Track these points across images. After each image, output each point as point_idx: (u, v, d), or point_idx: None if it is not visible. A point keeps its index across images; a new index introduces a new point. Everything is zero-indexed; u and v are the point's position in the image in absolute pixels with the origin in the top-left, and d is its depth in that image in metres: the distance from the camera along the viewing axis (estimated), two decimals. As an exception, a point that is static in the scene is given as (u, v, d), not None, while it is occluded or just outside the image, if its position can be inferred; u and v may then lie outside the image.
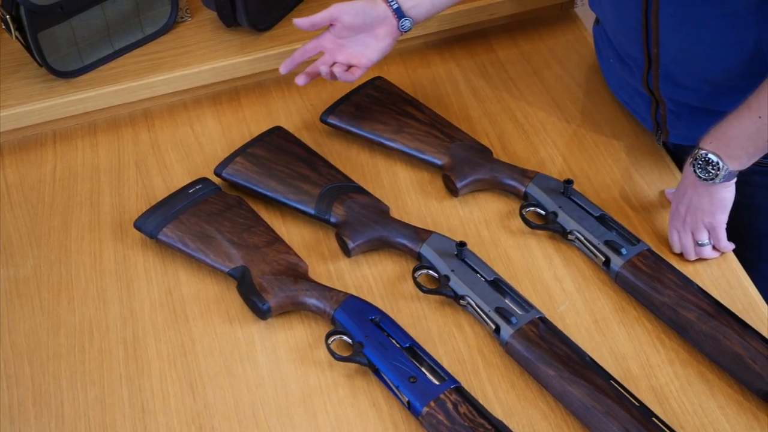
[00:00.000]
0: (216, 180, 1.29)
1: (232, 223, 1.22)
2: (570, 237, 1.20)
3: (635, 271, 1.14)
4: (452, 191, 1.29)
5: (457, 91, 1.44)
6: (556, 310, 1.16)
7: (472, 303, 1.13)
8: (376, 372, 1.08)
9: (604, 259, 1.17)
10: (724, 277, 1.18)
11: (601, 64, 1.41)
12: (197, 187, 1.26)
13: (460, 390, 1.04)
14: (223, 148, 1.37)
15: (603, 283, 1.18)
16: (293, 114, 1.43)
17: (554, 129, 1.38)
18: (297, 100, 1.45)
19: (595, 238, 1.18)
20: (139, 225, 1.24)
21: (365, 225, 1.22)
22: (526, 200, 1.26)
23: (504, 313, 1.10)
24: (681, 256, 1.20)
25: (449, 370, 1.08)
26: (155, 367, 1.13)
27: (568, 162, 1.33)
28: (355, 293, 1.18)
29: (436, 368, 1.06)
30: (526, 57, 1.49)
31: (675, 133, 1.28)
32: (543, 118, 1.39)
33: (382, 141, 1.33)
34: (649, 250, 1.16)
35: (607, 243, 1.17)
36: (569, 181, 1.22)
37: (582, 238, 1.19)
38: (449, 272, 1.15)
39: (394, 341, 1.09)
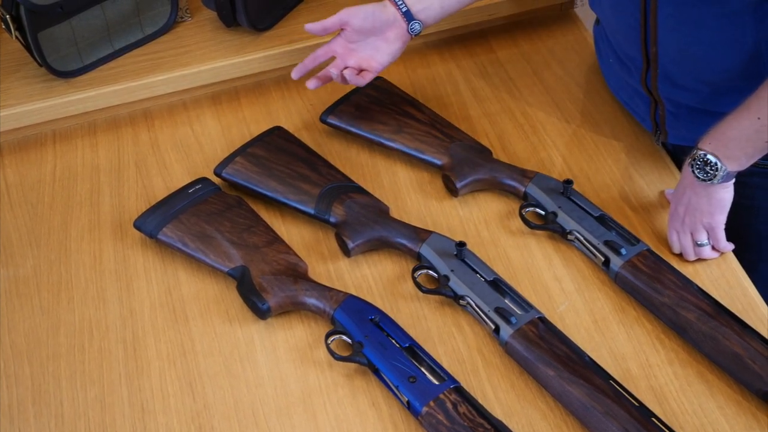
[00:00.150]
0: (216, 180, 1.29)
1: (232, 223, 1.22)
2: (569, 237, 1.20)
3: (635, 272, 1.14)
4: (452, 191, 1.29)
5: (456, 91, 1.44)
6: (556, 310, 1.16)
7: (472, 303, 1.13)
8: (376, 372, 1.08)
9: (603, 259, 1.17)
10: (723, 278, 1.18)
11: (601, 65, 1.41)
12: (197, 187, 1.26)
13: (459, 390, 1.04)
14: (222, 148, 1.38)
15: (602, 284, 1.19)
16: (293, 114, 1.43)
17: (554, 129, 1.38)
18: (297, 100, 1.45)
19: (594, 238, 1.18)
20: (138, 225, 1.24)
21: (365, 225, 1.22)
22: (525, 200, 1.26)
23: (503, 313, 1.10)
24: (680, 256, 1.20)
25: (449, 370, 1.08)
26: (155, 367, 1.14)
27: (567, 162, 1.33)
28: (354, 293, 1.18)
29: (436, 368, 1.06)
30: (526, 57, 1.49)
31: (674, 133, 1.28)
32: (543, 119, 1.39)
33: (382, 141, 1.33)
34: (649, 251, 1.16)
35: (606, 243, 1.17)
36: (569, 182, 1.22)
37: (581, 238, 1.19)
38: (449, 272, 1.15)
39: (393, 341, 1.09)
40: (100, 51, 1.42)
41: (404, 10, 1.24)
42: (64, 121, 1.42)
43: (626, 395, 1.02)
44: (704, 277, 1.18)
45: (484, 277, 1.15)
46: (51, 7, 1.32)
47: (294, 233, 1.26)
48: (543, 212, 1.23)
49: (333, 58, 1.28)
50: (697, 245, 1.18)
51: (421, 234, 1.20)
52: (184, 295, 1.21)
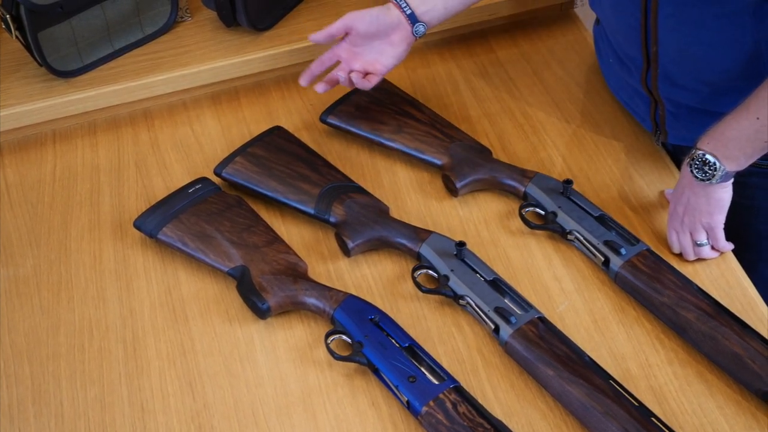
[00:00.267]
0: (216, 180, 1.30)
1: (232, 223, 1.22)
2: (569, 237, 1.20)
3: (634, 271, 1.14)
4: (452, 191, 1.29)
5: (456, 91, 1.44)
6: (556, 310, 1.16)
7: (472, 303, 1.13)
8: (376, 371, 1.08)
9: (603, 259, 1.17)
10: (723, 278, 1.18)
11: (601, 65, 1.41)
12: (197, 187, 1.27)
13: (459, 390, 1.04)
14: (222, 147, 1.38)
15: (602, 283, 1.19)
16: (293, 114, 1.43)
17: (554, 129, 1.38)
18: (297, 100, 1.45)
19: (594, 238, 1.18)
20: (138, 224, 1.24)
21: (365, 225, 1.22)
22: (525, 200, 1.26)
23: (503, 313, 1.10)
24: (680, 256, 1.20)
25: (448, 370, 1.08)
26: (155, 367, 1.14)
27: (567, 162, 1.33)
28: (354, 293, 1.18)
29: (436, 368, 1.06)
30: (526, 57, 1.49)
31: (674, 133, 1.28)
32: (543, 119, 1.39)
33: (382, 141, 1.33)
34: (649, 250, 1.16)
35: (606, 243, 1.17)
36: (569, 181, 1.22)
37: (581, 238, 1.19)
38: (449, 272, 1.15)
39: (393, 341, 1.09)
40: (100, 51, 1.42)
41: (408, 12, 1.24)
42: (64, 121, 1.42)
43: (626, 395, 1.02)
44: (704, 276, 1.18)
45: (483, 277, 1.15)
46: (51, 6, 1.32)
47: (294, 233, 1.26)
48: (543, 212, 1.23)
49: (338, 62, 1.28)
50: (697, 245, 1.18)
51: (420, 234, 1.20)
52: (184, 294, 1.21)
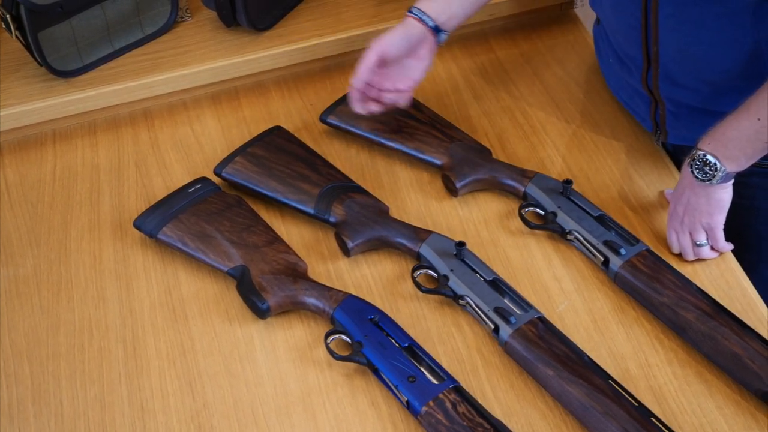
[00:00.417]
0: (216, 179, 1.30)
1: (232, 223, 1.22)
2: (569, 237, 1.21)
3: (634, 272, 1.14)
4: (452, 191, 1.29)
5: (456, 91, 1.44)
6: (555, 310, 1.16)
7: (471, 303, 1.13)
8: (375, 371, 1.08)
9: (603, 259, 1.17)
10: (723, 278, 1.18)
11: (601, 65, 1.41)
12: (197, 187, 1.27)
13: (458, 389, 1.04)
14: (222, 147, 1.38)
15: (602, 283, 1.19)
16: (293, 114, 1.43)
17: (554, 129, 1.38)
18: (296, 100, 1.45)
19: (594, 238, 1.18)
20: (138, 224, 1.24)
21: (364, 225, 1.22)
22: (525, 200, 1.26)
23: (503, 313, 1.10)
24: (680, 256, 1.20)
25: (448, 370, 1.08)
26: (154, 367, 1.14)
27: (567, 162, 1.33)
28: (354, 293, 1.18)
29: (435, 368, 1.06)
30: (526, 57, 1.49)
31: (674, 133, 1.28)
32: (542, 119, 1.39)
33: (382, 141, 1.33)
34: (648, 251, 1.16)
35: (606, 243, 1.17)
36: (568, 181, 1.22)
37: (581, 238, 1.19)
38: (448, 272, 1.15)
39: (393, 341, 1.09)
40: (100, 51, 1.43)
41: (432, 25, 1.23)
42: (64, 121, 1.42)
43: (625, 395, 1.02)
44: (703, 277, 1.18)
45: (483, 277, 1.15)
46: (51, 6, 1.32)
47: (294, 233, 1.26)
48: (542, 212, 1.23)
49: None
50: (696, 245, 1.18)
51: (420, 234, 1.20)
52: (183, 294, 1.21)
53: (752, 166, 1.13)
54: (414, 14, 1.23)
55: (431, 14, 1.23)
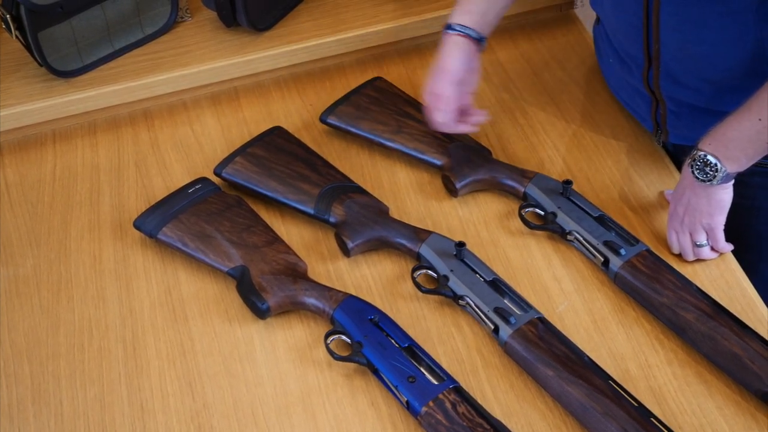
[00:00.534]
0: (215, 180, 1.30)
1: (232, 223, 1.22)
2: (569, 237, 1.21)
3: (634, 272, 1.14)
4: (451, 191, 1.29)
5: (456, 92, 1.44)
6: (555, 310, 1.16)
7: (471, 303, 1.13)
8: (375, 372, 1.08)
9: (603, 259, 1.17)
10: (722, 278, 1.18)
11: (601, 65, 1.41)
12: (197, 187, 1.27)
13: (458, 390, 1.04)
14: (222, 147, 1.38)
15: (602, 284, 1.19)
16: (293, 114, 1.43)
17: (554, 129, 1.38)
18: (296, 100, 1.45)
19: (594, 238, 1.18)
20: (138, 224, 1.24)
21: (364, 225, 1.22)
22: (525, 200, 1.26)
23: (503, 314, 1.10)
24: (680, 256, 1.20)
25: (448, 370, 1.08)
26: (154, 367, 1.14)
27: (567, 162, 1.33)
28: (354, 293, 1.18)
29: (435, 368, 1.06)
30: (526, 58, 1.49)
31: (675, 133, 1.28)
32: (542, 119, 1.39)
33: (382, 141, 1.33)
34: (648, 251, 1.16)
35: (606, 243, 1.17)
36: (568, 182, 1.22)
37: (581, 239, 1.19)
38: (448, 272, 1.15)
39: (393, 341, 1.09)
40: (101, 51, 1.43)
41: (477, 37, 1.25)
42: (64, 121, 1.42)
43: (625, 395, 1.02)
44: (703, 277, 1.18)
45: (483, 278, 1.15)
46: (51, 6, 1.32)
47: (294, 233, 1.26)
48: (542, 212, 1.23)
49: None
50: (696, 246, 1.18)
51: (420, 234, 1.20)
52: (183, 294, 1.21)
53: (753, 165, 1.12)
54: (458, 31, 1.24)
55: (473, 26, 1.25)
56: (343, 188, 1.26)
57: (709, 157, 1.11)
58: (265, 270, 1.17)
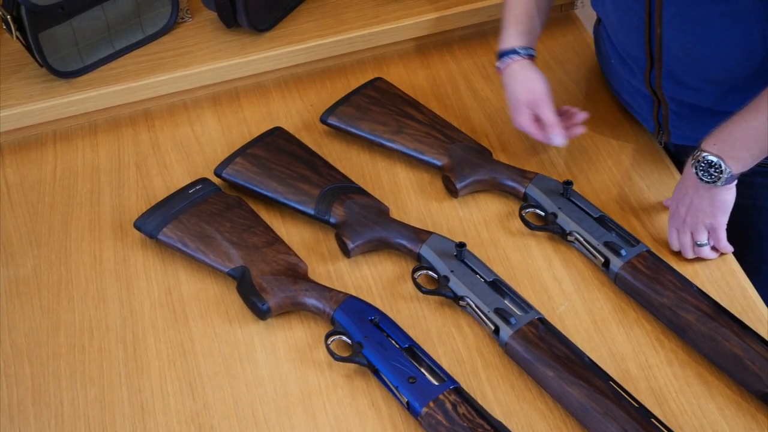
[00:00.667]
0: (216, 180, 1.30)
1: (232, 224, 1.22)
2: (569, 238, 1.20)
3: (634, 273, 1.14)
4: (452, 192, 1.29)
5: (456, 92, 1.44)
6: (556, 311, 1.16)
7: (472, 304, 1.13)
8: (376, 372, 1.08)
9: (603, 260, 1.17)
10: (723, 279, 1.18)
11: (601, 66, 1.41)
12: (197, 188, 1.27)
13: (459, 390, 1.04)
14: (223, 148, 1.38)
15: (602, 284, 1.19)
16: (293, 114, 1.43)
17: (554, 130, 1.38)
18: (297, 100, 1.45)
19: (594, 239, 1.18)
20: (139, 225, 1.24)
21: (365, 226, 1.22)
22: (525, 201, 1.26)
23: (503, 314, 1.10)
24: (680, 256, 1.20)
25: (448, 371, 1.08)
26: (155, 367, 1.14)
27: (567, 163, 1.33)
28: (354, 294, 1.18)
29: (436, 369, 1.06)
30: (526, 58, 1.49)
31: (677, 133, 1.28)
32: (543, 120, 1.39)
33: (382, 142, 1.33)
34: (649, 252, 1.16)
35: (606, 244, 1.17)
36: (569, 182, 1.22)
37: (581, 239, 1.19)
38: (449, 273, 1.15)
39: (393, 342, 1.09)
40: (101, 51, 1.43)
41: (532, 54, 1.28)
42: (64, 122, 1.42)
43: (626, 396, 1.02)
44: (704, 278, 1.18)
45: (483, 278, 1.15)
46: (52, 7, 1.32)
47: (294, 234, 1.26)
48: (543, 213, 1.23)
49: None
50: (697, 245, 1.18)
51: (421, 235, 1.20)
52: (184, 295, 1.21)
53: (756, 165, 1.12)
54: (523, 55, 1.27)
55: (531, 45, 1.29)
56: (344, 189, 1.26)
57: (712, 158, 1.10)
58: (265, 270, 1.17)
